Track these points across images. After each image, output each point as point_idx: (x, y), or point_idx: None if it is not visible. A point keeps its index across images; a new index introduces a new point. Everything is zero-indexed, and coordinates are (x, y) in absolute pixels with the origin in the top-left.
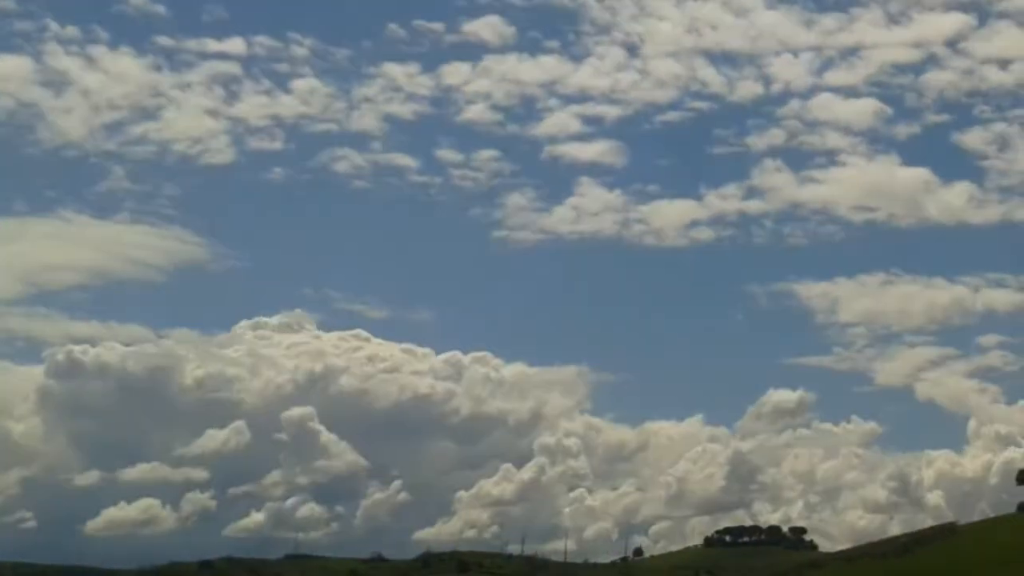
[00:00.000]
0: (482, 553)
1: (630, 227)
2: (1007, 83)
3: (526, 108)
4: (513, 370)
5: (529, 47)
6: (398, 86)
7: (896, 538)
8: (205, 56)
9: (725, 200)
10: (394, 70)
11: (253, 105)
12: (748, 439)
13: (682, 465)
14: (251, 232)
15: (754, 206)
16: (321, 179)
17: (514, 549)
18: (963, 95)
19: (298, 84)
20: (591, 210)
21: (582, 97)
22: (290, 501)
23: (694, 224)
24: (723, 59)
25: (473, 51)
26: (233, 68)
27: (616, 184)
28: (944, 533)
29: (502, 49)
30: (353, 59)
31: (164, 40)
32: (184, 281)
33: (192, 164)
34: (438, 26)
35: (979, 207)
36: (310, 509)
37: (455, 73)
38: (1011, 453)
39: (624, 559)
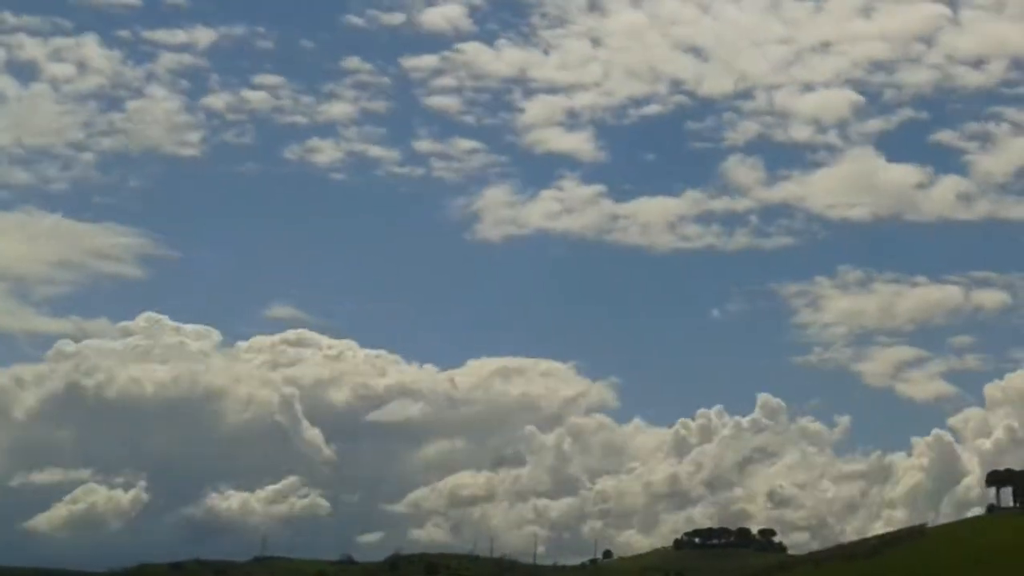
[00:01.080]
0: (450, 555)
1: (608, 223)
2: (982, 80)
3: (496, 100)
4: (491, 366)
5: (489, 38)
6: (363, 81)
7: (866, 540)
8: (171, 48)
9: (704, 198)
10: (357, 63)
11: (220, 97)
12: (727, 438)
13: (657, 465)
14: (222, 226)
15: (731, 204)
16: (293, 172)
17: (482, 551)
18: (939, 91)
19: (263, 77)
20: (569, 205)
21: (552, 89)
22: (260, 501)
23: (673, 222)
24: (692, 53)
25: (434, 42)
26: (200, 60)
27: (593, 179)
28: (913, 535)
29: (464, 39)
30: (315, 52)
31: (126, 33)
32: (153, 275)
33: (160, 156)
34: (396, 17)
35: (962, 204)
36: (279, 510)
37: (421, 66)
38: (982, 454)
39: (593, 561)
